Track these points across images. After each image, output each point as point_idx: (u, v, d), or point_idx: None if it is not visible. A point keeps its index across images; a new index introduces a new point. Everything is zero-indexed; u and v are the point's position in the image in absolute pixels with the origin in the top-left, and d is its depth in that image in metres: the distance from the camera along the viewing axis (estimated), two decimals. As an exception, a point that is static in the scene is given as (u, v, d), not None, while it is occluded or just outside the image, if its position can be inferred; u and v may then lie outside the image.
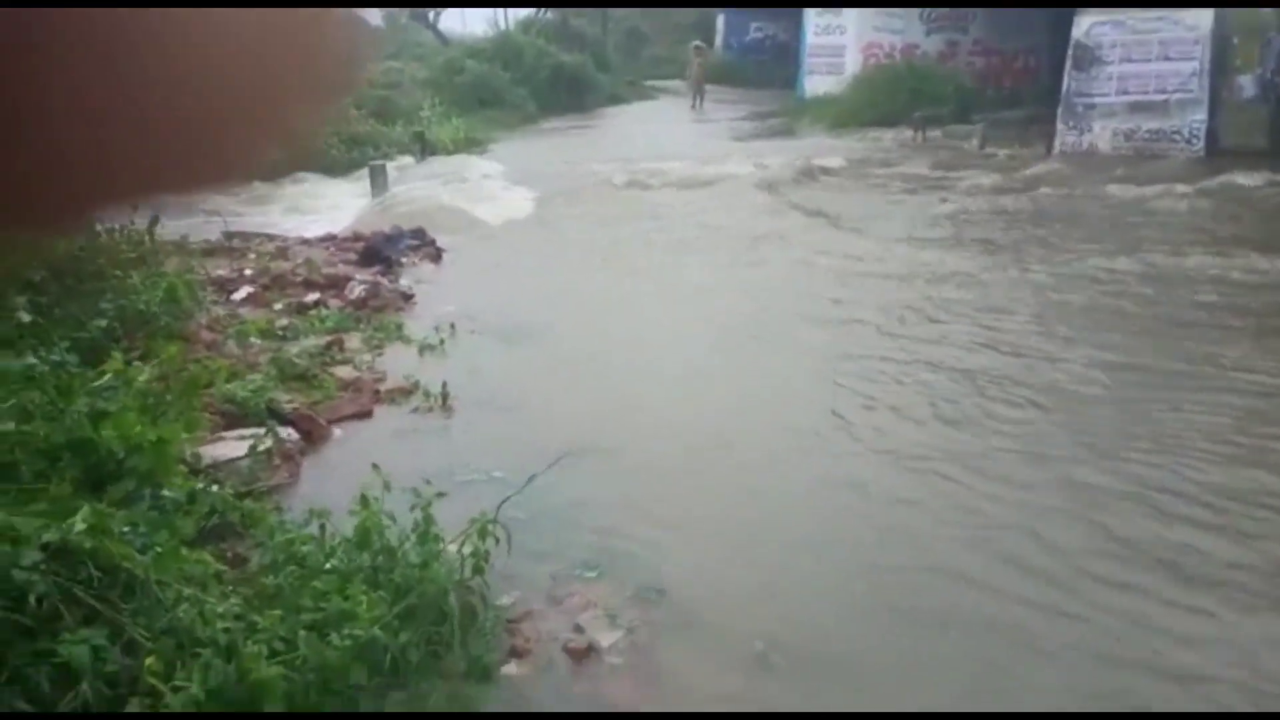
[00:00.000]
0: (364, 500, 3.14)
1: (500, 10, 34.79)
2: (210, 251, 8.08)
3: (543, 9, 32.42)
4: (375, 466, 3.86)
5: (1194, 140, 13.22)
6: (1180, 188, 10.93)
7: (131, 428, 3.44)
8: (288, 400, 4.88)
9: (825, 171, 13.60)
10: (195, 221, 9.39)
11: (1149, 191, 10.91)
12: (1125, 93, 13.73)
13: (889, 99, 19.47)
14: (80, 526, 2.72)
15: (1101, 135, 13.96)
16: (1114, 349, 6.00)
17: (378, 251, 8.40)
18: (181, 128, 0.36)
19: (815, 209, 10.97)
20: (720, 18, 34.85)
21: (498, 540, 3.09)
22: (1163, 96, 13.41)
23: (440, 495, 3.21)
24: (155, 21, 0.34)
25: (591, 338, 6.59)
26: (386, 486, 3.34)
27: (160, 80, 0.35)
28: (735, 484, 4.34)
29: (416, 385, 5.42)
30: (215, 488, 3.67)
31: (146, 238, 5.87)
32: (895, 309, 7.00)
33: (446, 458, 4.61)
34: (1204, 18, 13.04)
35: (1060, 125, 14.35)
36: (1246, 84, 13.26)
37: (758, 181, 12.72)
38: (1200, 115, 13.18)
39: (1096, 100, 14.00)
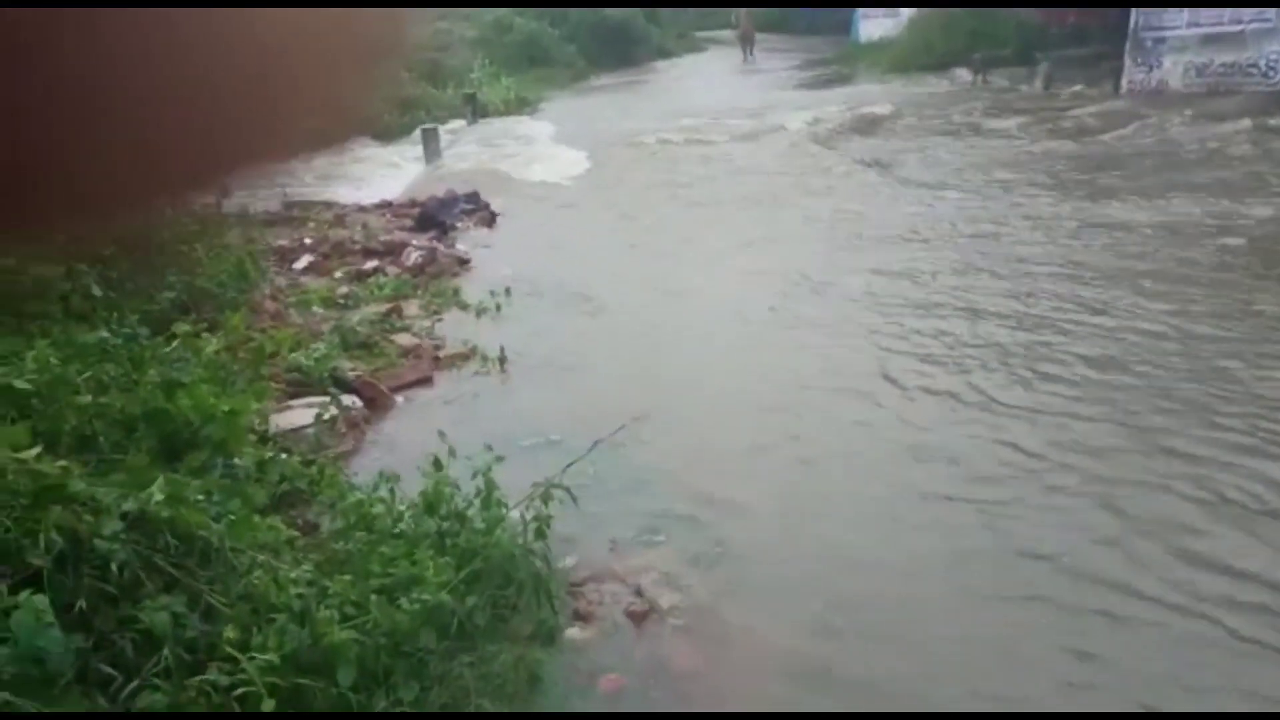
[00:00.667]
0: (436, 463, 3.19)
1: (547, -35, 34.46)
2: (271, 222, 8.21)
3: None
4: (441, 434, 3.93)
5: (1271, 73, 12.59)
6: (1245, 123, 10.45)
7: (204, 398, 3.54)
8: (351, 368, 4.97)
9: (878, 121, 13.29)
10: (256, 192, 9.55)
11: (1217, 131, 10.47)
12: (1197, 25, 13.11)
13: (946, 41, 18.92)
14: (158, 496, 2.82)
15: (1172, 71, 13.38)
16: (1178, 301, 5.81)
17: (433, 217, 8.46)
18: (238, 106, 0.37)
19: (868, 160, 10.76)
20: (772, -36, 34.05)
21: (561, 502, 3.12)
22: (1238, 27, 12.77)
23: (499, 459, 3.25)
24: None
25: (645, 300, 6.57)
26: (452, 453, 3.40)
27: (212, 60, 0.35)
28: (794, 450, 4.30)
29: (474, 350, 5.48)
30: (284, 456, 3.77)
31: (213, 210, 5.98)
32: (947, 267, 6.85)
33: (506, 422, 4.67)
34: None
35: (1128, 61, 13.80)
36: (1329, 10, 12.53)
37: (810, 134, 12.50)
38: (1277, 46, 12.53)
39: (1167, 34, 13.41)
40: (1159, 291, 5.93)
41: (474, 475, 3.16)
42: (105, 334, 3.92)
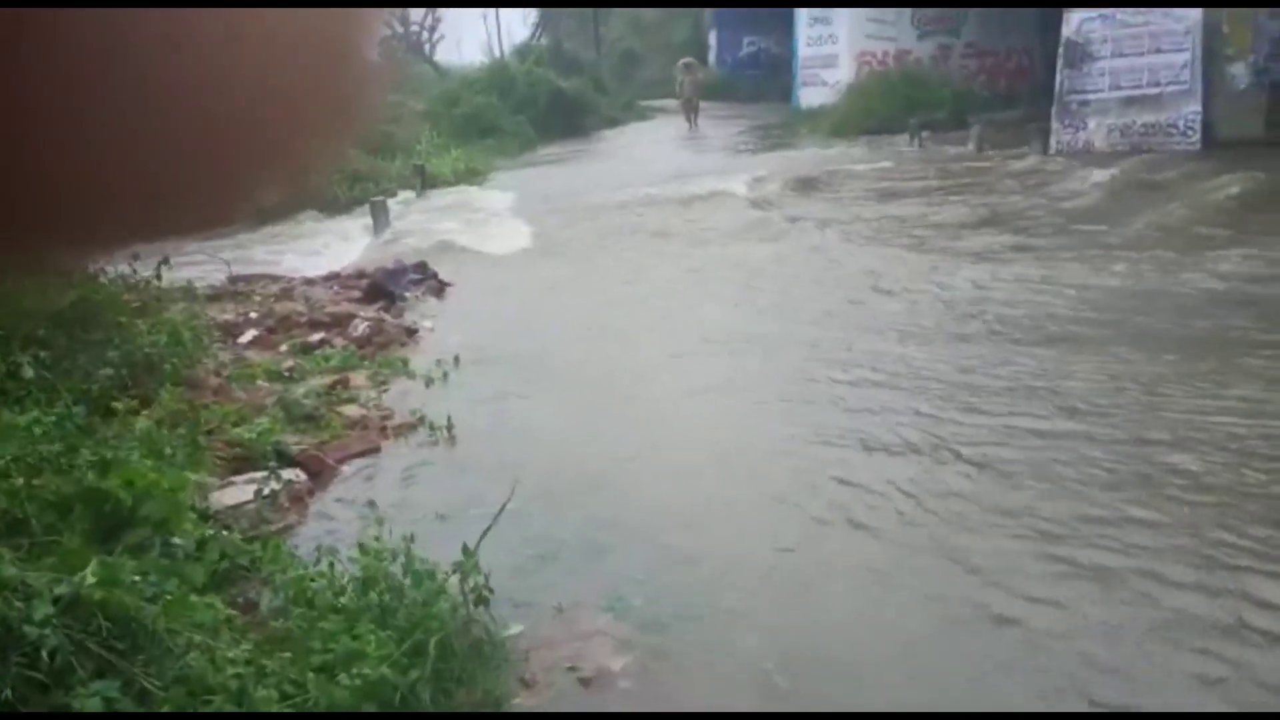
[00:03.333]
0: (361, 548, 3.18)
1: (495, 38, 35.10)
2: (215, 296, 8.16)
3: (538, 36, 32.73)
4: (372, 503, 3.91)
5: (1190, 132, 13.20)
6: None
7: (141, 476, 3.49)
8: (295, 441, 4.93)
9: (818, 183, 13.67)
10: (200, 266, 9.50)
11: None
12: (1118, 88, 13.74)
13: (884, 106, 19.57)
14: (90, 580, 2.77)
15: (1097, 132, 13.96)
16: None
17: (381, 287, 8.47)
18: (191, 169, 0.37)
19: (807, 220, 11.06)
20: (712, 34, 35.08)
21: (486, 578, 3.10)
22: (1156, 90, 13.41)
23: (442, 519, 3.24)
24: (170, 67, 0.34)
25: (593, 364, 6.63)
26: (379, 522, 3.39)
27: (172, 125, 0.35)
28: (750, 514, 4.33)
29: (422, 419, 5.46)
30: (225, 533, 3.71)
31: (152, 283, 5.95)
32: (900, 319, 7.02)
33: (454, 490, 4.65)
34: (1193, 9, 13.05)
35: (1055, 124, 14.37)
36: (1240, 72, 13.23)
37: (752, 198, 12.80)
38: (1194, 106, 13.16)
39: (1090, 97, 14.02)
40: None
41: (402, 551, 3.13)
42: (37, 414, 3.86)
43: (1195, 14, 13.02)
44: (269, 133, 0.38)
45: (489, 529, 3.27)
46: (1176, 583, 3.44)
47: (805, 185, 13.57)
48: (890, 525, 4.02)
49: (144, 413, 4.69)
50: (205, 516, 3.86)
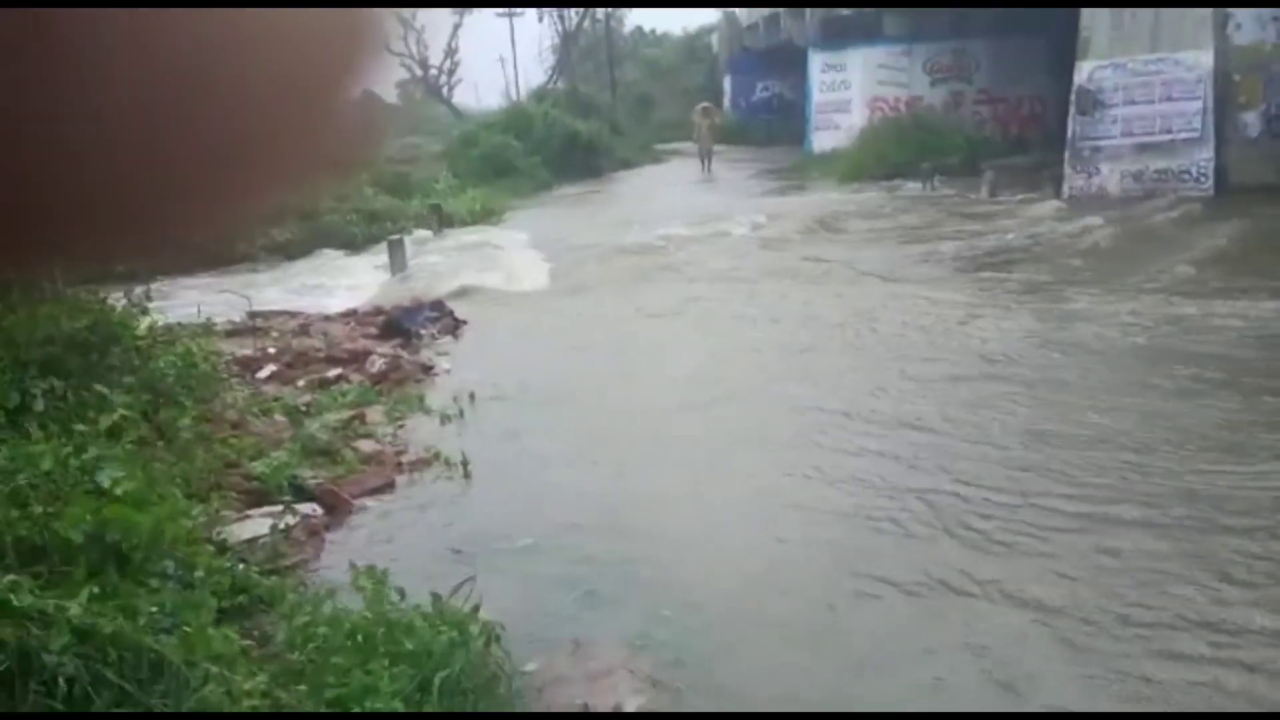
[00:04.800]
0: (369, 575, 3.19)
1: (513, 82, 35.68)
2: (234, 332, 8.25)
3: (555, 80, 33.20)
4: (388, 539, 3.92)
5: (1203, 179, 13.26)
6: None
7: (161, 509, 3.52)
8: (311, 476, 4.95)
9: (831, 226, 13.76)
10: (220, 303, 9.61)
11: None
12: (1130, 134, 13.83)
13: (897, 151, 19.71)
14: (108, 610, 2.78)
15: (1110, 178, 14.03)
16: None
17: (398, 325, 8.54)
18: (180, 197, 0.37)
19: (821, 262, 11.11)
20: (727, 78, 35.55)
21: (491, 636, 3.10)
22: (1168, 137, 13.50)
23: (457, 554, 3.25)
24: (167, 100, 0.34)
25: (609, 402, 6.65)
26: (381, 576, 3.40)
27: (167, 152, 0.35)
28: (762, 553, 4.32)
29: (438, 455, 5.49)
30: (241, 566, 3.73)
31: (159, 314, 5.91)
32: (910, 360, 7.04)
33: (469, 526, 4.67)
34: (1204, 57, 13.18)
35: (1068, 169, 14.46)
36: (1252, 120, 13.31)
37: (764, 239, 12.89)
38: (1207, 153, 13.24)
39: (1102, 143, 14.11)
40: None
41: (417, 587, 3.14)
42: (55, 443, 3.89)
43: (1206, 63, 13.14)
44: (257, 166, 0.38)
45: (467, 581, 3.27)
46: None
47: (818, 227, 13.65)
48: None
49: (161, 443, 4.72)
50: (222, 549, 3.88)
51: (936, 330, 7.82)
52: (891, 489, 4.79)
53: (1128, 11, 13.82)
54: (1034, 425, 5.53)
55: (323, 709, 2.67)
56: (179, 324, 6.38)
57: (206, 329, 7.18)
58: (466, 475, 5.31)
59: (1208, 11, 13.06)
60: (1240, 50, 13.12)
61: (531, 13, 34.35)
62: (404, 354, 7.75)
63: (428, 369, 7.52)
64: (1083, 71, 14.27)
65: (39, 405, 4.49)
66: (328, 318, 9.20)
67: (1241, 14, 13.01)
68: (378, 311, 9.23)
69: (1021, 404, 5.93)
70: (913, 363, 6.96)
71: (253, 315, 9.06)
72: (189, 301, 7.83)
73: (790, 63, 28.31)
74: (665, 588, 3.92)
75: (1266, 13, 12.96)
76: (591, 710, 3.06)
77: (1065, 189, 14.40)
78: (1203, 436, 5.18)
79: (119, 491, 3.52)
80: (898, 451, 5.28)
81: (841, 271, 10.54)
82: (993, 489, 4.68)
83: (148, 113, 0.34)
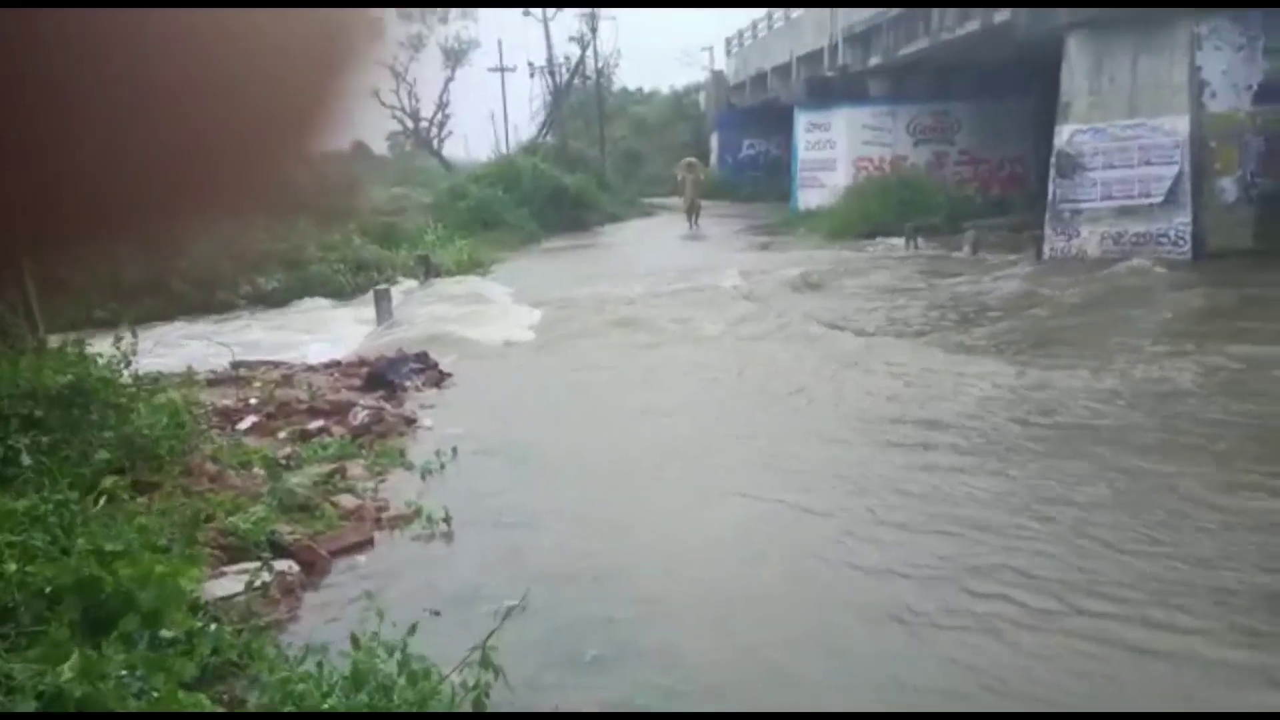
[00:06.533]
0: (354, 640, 3.13)
1: (503, 135, 36.07)
2: (216, 382, 8.19)
3: (544, 134, 33.59)
4: (369, 594, 3.85)
5: (1180, 243, 13.48)
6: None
7: (136, 565, 3.45)
8: (289, 532, 4.88)
9: (814, 283, 13.89)
10: (202, 351, 9.56)
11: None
12: (1110, 198, 14.07)
13: (881, 209, 19.98)
14: (72, 674, 2.72)
15: (1090, 240, 14.25)
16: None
17: (381, 376, 8.50)
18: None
19: (803, 319, 11.20)
20: (714, 135, 36.10)
21: (496, 674, 3.05)
22: (1146, 200, 13.74)
23: (435, 614, 3.19)
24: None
25: (593, 457, 6.61)
26: (380, 615, 3.33)
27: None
28: (748, 610, 4.28)
29: (419, 511, 5.42)
30: (215, 625, 3.65)
31: (141, 368, 5.88)
32: (886, 422, 7.05)
33: (449, 584, 4.59)
34: (1180, 123, 13.48)
35: (1049, 231, 14.67)
36: (1228, 186, 13.57)
37: (748, 295, 12.98)
38: (1185, 218, 13.47)
39: (1083, 206, 14.34)
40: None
41: (395, 647, 3.08)
42: (33, 500, 3.83)
43: (1183, 129, 13.43)
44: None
45: (493, 631, 3.21)
46: None
47: (801, 284, 13.77)
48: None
49: (140, 499, 4.66)
50: (195, 608, 3.80)
51: (903, 387, 7.87)
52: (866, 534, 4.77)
53: (1106, 77, 14.15)
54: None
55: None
56: (160, 373, 6.34)
57: (188, 379, 7.13)
58: (449, 531, 5.25)
59: (1184, 79, 13.39)
60: (1215, 117, 13.43)
61: (523, 68, 34.85)
62: (387, 406, 7.70)
63: (411, 422, 7.47)
64: (1063, 135, 14.56)
65: (25, 460, 4.42)
66: (311, 368, 9.16)
67: (1217, 82, 13.34)
68: (362, 362, 9.20)
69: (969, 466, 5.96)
70: (879, 424, 6.98)
71: (236, 365, 9.01)
72: (173, 348, 7.81)
73: (776, 121, 28.80)
74: (651, 652, 3.86)
75: (1241, 81, 13.29)
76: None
77: (1046, 250, 14.60)
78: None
79: (93, 550, 3.45)
80: (870, 506, 5.27)
81: (818, 329, 10.63)
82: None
83: (126, 107, 0.33)
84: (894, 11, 20.91)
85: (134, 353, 5.55)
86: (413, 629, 3.16)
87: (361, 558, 4.99)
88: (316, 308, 13.84)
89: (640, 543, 5.09)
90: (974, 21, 17.97)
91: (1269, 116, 13.18)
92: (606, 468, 6.38)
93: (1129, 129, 13.92)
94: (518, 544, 5.08)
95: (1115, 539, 4.71)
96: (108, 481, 4.50)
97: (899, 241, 17.75)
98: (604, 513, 5.54)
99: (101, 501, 4.32)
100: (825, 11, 24.73)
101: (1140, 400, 7.15)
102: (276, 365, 9.24)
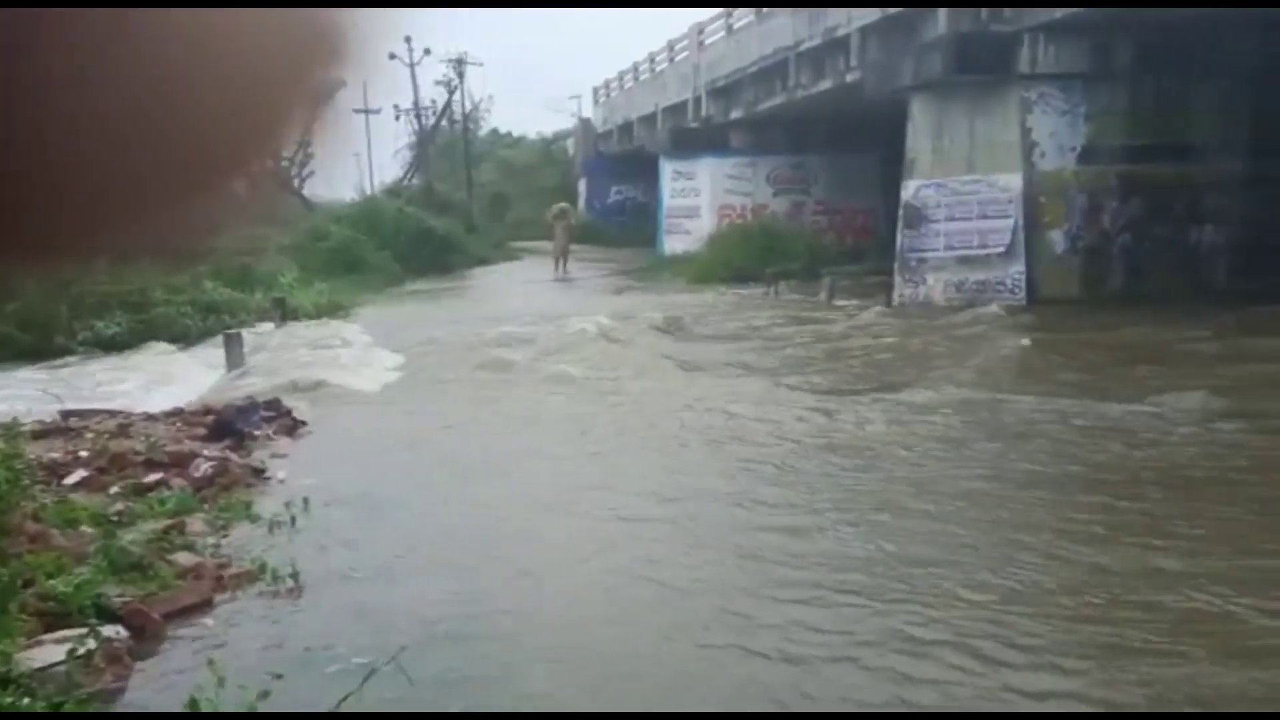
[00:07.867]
0: (193, 704, 2.94)
1: (368, 176, 35.44)
2: (43, 433, 7.64)
3: (410, 176, 33.18)
4: (211, 662, 3.64)
5: (1016, 290, 14.43)
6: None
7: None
8: (118, 594, 4.56)
9: (676, 326, 14.19)
10: (31, 401, 8.93)
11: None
12: (952, 248, 14.95)
13: (743, 256, 20.62)
14: None
15: (935, 287, 15.06)
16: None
17: (229, 425, 8.12)
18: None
19: (662, 359, 11.42)
20: (582, 181, 36.51)
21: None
22: (985, 251, 14.66)
23: (278, 677, 3.03)
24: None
25: (449, 506, 6.48)
26: (220, 683, 3.14)
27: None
28: (618, 664, 4.24)
29: (264, 568, 5.16)
30: (27, 701, 3.36)
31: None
32: (739, 460, 7.20)
33: (294, 646, 4.38)
34: (1014, 180, 14.48)
35: (897, 279, 15.45)
36: (1058, 239, 14.63)
37: (614, 337, 13.11)
38: (1019, 267, 14.43)
39: (928, 255, 15.17)
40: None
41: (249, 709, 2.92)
42: None
43: (1016, 185, 14.43)
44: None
45: (350, 695, 3.08)
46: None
47: (666, 326, 14.02)
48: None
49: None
50: (5, 682, 3.50)
51: (746, 424, 8.12)
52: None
53: (947, 135, 15.09)
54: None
55: None
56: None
57: (11, 430, 6.62)
58: (296, 589, 5.02)
59: (1016, 139, 14.42)
60: (1045, 175, 14.50)
61: (388, 110, 34.41)
62: (234, 457, 7.34)
63: (260, 472, 7.14)
64: (909, 189, 15.41)
65: None
66: (151, 417, 8.65)
67: (1045, 143, 14.42)
68: (207, 410, 8.76)
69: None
70: (726, 452, 7.14)
71: (67, 414, 8.44)
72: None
73: (643, 168, 29.40)
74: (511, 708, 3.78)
75: (1067, 142, 14.41)
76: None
77: (895, 297, 15.35)
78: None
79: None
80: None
81: (678, 371, 10.83)
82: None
83: (107, 109, 0.33)
84: (754, 68, 21.78)
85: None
86: (264, 694, 3.00)
87: (205, 619, 4.71)
88: (162, 353, 13.13)
89: (498, 596, 4.99)
90: (826, 81, 18.94)
91: (1089, 176, 14.34)
92: (465, 516, 6.26)
93: (968, 184, 14.86)
94: (370, 600, 4.90)
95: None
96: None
97: (760, 287, 18.30)
98: (462, 562, 5.42)
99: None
100: (689, 65, 25.56)
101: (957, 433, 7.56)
102: (113, 414, 8.69)
